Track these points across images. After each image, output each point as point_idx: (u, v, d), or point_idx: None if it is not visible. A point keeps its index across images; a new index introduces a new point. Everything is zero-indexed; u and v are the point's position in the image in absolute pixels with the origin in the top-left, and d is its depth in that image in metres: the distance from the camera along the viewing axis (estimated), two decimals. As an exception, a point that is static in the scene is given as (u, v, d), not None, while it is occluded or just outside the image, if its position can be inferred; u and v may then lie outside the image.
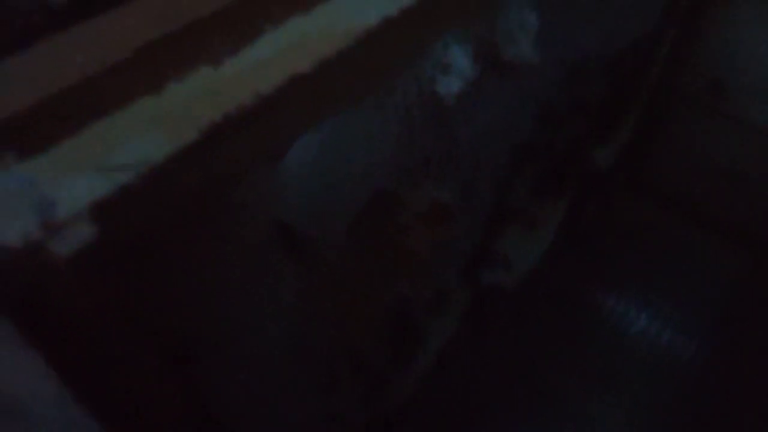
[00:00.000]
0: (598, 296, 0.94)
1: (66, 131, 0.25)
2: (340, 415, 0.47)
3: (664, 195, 0.96)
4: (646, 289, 0.94)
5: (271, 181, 0.30)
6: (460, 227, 0.47)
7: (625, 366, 0.86)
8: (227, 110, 0.26)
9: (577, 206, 0.78)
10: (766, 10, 0.70)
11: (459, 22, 0.36)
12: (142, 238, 0.24)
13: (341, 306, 0.42)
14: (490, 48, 0.39)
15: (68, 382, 0.20)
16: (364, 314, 0.46)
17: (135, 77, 0.27)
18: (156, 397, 0.25)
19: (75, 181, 0.23)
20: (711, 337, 0.86)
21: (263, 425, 0.38)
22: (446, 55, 0.36)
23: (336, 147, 0.33)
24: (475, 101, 0.39)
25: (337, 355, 0.46)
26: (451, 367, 0.66)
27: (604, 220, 0.96)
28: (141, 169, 0.24)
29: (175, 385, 0.23)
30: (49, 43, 0.28)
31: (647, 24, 0.59)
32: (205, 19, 0.30)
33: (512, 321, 0.81)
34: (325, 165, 0.33)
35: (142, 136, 0.25)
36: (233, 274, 0.31)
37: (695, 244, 0.97)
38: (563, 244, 0.76)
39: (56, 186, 0.23)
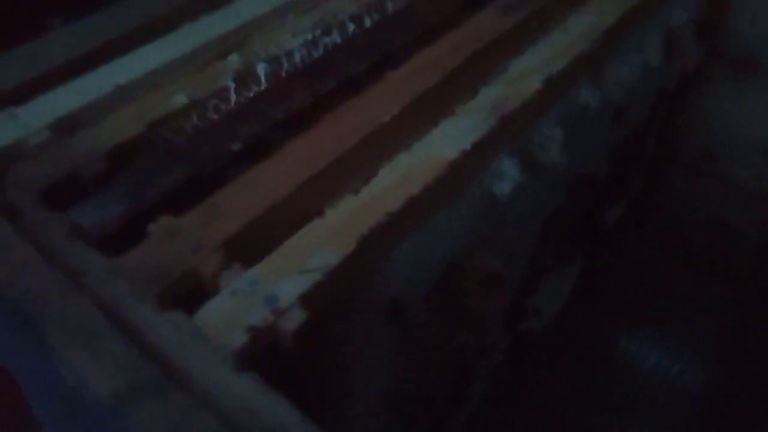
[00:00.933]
0: (612, 336, 1.06)
1: (273, 245, 0.38)
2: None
3: (667, 244, 1.08)
4: (654, 327, 1.06)
5: (388, 268, 0.43)
6: (508, 288, 0.59)
7: (641, 398, 0.97)
8: (371, 226, 0.39)
9: (592, 258, 0.90)
10: (738, 89, 0.84)
11: (509, 144, 0.49)
12: (325, 317, 0.37)
13: (423, 358, 0.54)
14: (529, 156, 0.52)
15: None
16: (437, 363, 0.58)
17: (305, 206, 0.40)
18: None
19: (286, 280, 0.36)
20: (714, 368, 0.97)
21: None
22: (499, 167, 0.49)
23: (425, 237, 0.46)
24: (518, 195, 0.52)
25: (416, 398, 0.58)
26: (495, 403, 0.77)
27: (614, 268, 1.09)
28: (325, 271, 0.36)
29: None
30: (237, 181, 0.41)
31: (644, 112, 0.73)
32: (339, 160, 0.43)
33: (542, 363, 0.92)
34: (418, 251, 0.46)
35: (322, 247, 0.37)
36: (362, 340, 0.44)
37: (696, 286, 1.09)
38: (581, 292, 0.88)
39: (275, 284, 0.36)
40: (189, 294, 0.37)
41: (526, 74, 0.50)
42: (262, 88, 0.51)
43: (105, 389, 0.30)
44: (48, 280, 0.35)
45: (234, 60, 0.52)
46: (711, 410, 0.93)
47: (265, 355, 0.34)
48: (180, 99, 0.48)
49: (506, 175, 0.49)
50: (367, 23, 0.57)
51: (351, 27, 0.57)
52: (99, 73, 0.50)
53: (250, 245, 0.38)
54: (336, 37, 0.55)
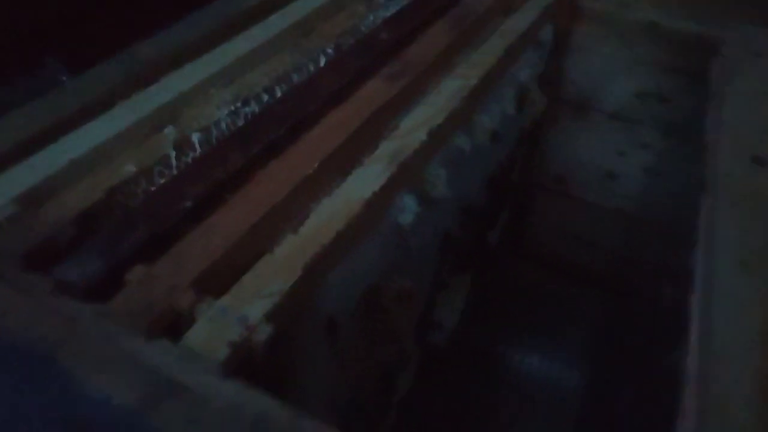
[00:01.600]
0: (499, 346, 1.21)
1: (234, 279, 0.47)
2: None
3: (539, 258, 1.26)
4: (533, 335, 1.22)
5: (325, 291, 0.54)
6: (417, 303, 0.71)
7: (528, 398, 1.12)
8: (310, 257, 0.49)
9: (480, 276, 1.05)
10: (578, 126, 1.03)
11: (407, 184, 0.62)
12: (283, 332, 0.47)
13: (354, 368, 0.65)
14: (423, 192, 0.65)
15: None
16: (365, 373, 0.68)
17: (255, 246, 0.50)
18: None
19: (251, 305, 0.45)
20: (589, 367, 1.14)
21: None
22: (402, 202, 0.62)
23: (350, 263, 0.57)
24: (418, 223, 0.65)
25: (349, 405, 0.68)
26: (413, 407, 0.88)
27: (497, 284, 1.25)
28: (280, 295, 0.46)
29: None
30: (195, 232, 0.50)
31: (507, 150, 0.89)
32: (278, 207, 0.53)
33: (446, 374, 1.05)
34: (346, 275, 0.57)
35: (276, 276, 0.47)
36: (309, 351, 0.53)
37: (565, 293, 1.27)
38: (473, 308, 1.02)
39: (242, 308, 0.45)
40: (170, 326, 0.46)
41: (414, 129, 0.63)
42: (197, 154, 0.60)
43: (129, 399, 0.38)
44: (50, 326, 0.42)
45: (170, 132, 0.61)
46: (587, 405, 1.10)
47: (243, 363, 0.43)
48: (129, 168, 0.56)
49: (407, 208, 0.61)
50: (278, 93, 0.68)
51: (265, 97, 0.67)
52: (50, 150, 0.57)
53: (215, 281, 0.48)
54: (254, 107, 0.66)
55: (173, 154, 0.59)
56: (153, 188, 0.56)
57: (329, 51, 0.75)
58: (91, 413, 0.39)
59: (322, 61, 0.74)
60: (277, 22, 0.77)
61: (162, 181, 0.57)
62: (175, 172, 0.58)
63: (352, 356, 0.63)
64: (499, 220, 1.03)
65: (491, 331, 1.17)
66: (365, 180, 0.57)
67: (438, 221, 0.71)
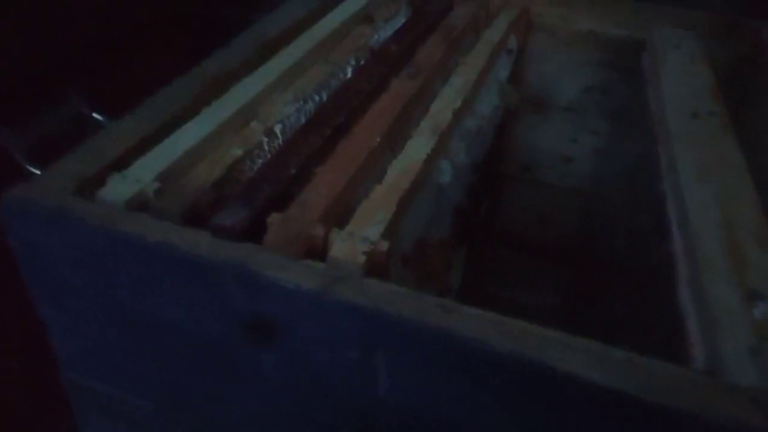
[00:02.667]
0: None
1: (347, 216, 0.63)
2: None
3: (510, 241, 1.46)
4: (505, 305, 1.41)
5: (401, 229, 0.70)
6: (449, 253, 0.89)
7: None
8: (398, 197, 0.66)
9: (468, 254, 1.23)
10: (538, 119, 1.25)
11: (443, 152, 0.80)
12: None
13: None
14: (453, 159, 0.83)
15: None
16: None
17: (352, 194, 0.66)
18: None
19: (368, 228, 0.61)
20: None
21: None
22: (440, 166, 0.80)
23: (412, 211, 0.74)
24: (448, 185, 0.83)
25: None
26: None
27: (476, 268, 1.43)
28: (385, 222, 0.63)
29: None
30: (307, 187, 0.66)
31: (493, 133, 1.09)
32: (362, 166, 0.70)
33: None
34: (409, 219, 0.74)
35: (378, 210, 0.64)
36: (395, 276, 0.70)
37: (532, 267, 1.47)
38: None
39: (363, 231, 0.61)
40: (309, 252, 0.61)
41: (441, 110, 0.81)
42: (280, 141, 0.76)
43: (313, 285, 0.53)
44: (231, 250, 0.57)
45: (256, 125, 0.76)
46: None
47: (372, 267, 0.59)
48: (236, 152, 0.72)
49: (445, 170, 0.79)
50: (324, 95, 0.85)
51: (317, 98, 0.84)
52: (165, 145, 0.71)
53: (333, 218, 0.64)
54: (311, 105, 0.83)
55: (265, 140, 0.74)
56: (257, 166, 0.71)
57: (352, 62, 0.93)
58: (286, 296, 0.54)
59: (350, 70, 0.92)
60: (304, 44, 0.94)
61: (261, 161, 0.72)
62: (269, 154, 0.74)
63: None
64: (481, 203, 1.22)
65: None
66: (418, 146, 0.74)
67: (457, 186, 0.89)
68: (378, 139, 0.74)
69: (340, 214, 0.64)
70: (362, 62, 0.93)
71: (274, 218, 0.62)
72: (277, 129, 0.76)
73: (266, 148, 0.74)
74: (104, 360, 0.69)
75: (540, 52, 1.16)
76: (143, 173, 0.67)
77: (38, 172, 1.07)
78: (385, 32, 1.03)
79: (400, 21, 1.07)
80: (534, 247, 1.45)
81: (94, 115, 1.20)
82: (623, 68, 1.13)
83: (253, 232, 0.62)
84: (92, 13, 1.15)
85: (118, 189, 0.65)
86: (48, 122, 1.15)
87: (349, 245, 0.60)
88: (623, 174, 1.19)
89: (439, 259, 0.84)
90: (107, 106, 1.23)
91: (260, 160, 0.73)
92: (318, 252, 0.61)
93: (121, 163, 0.68)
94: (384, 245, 0.60)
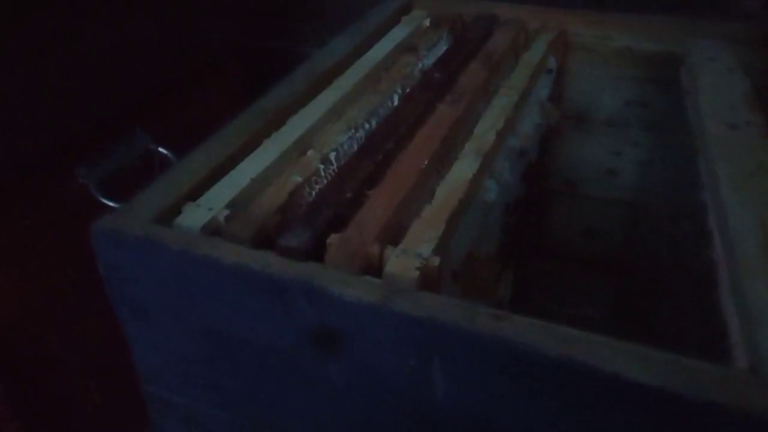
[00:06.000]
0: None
1: (399, 235, 0.68)
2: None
3: (557, 254, 1.49)
4: (554, 316, 1.43)
5: (451, 247, 0.75)
6: (496, 267, 0.93)
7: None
8: (448, 216, 0.71)
9: (516, 269, 1.27)
10: (579, 135, 1.28)
11: (488, 171, 0.84)
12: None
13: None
14: (496, 178, 0.88)
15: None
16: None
17: (404, 215, 0.71)
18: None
19: (420, 246, 0.67)
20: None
21: None
22: (486, 184, 0.84)
23: (461, 229, 0.79)
24: (494, 203, 0.87)
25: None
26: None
27: (527, 282, 1.46)
28: (436, 239, 0.68)
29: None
30: (362, 210, 0.72)
31: (536, 152, 1.13)
32: (412, 188, 0.75)
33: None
34: (458, 237, 0.79)
35: (429, 228, 0.69)
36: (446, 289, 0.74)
37: (579, 279, 1.49)
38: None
39: (416, 248, 0.66)
40: (366, 270, 0.66)
41: (485, 132, 0.86)
42: (335, 167, 0.82)
43: (373, 298, 0.58)
44: (300, 265, 0.63)
45: (313, 153, 0.83)
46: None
47: (425, 281, 0.64)
48: (296, 179, 0.78)
49: (491, 188, 0.84)
50: (374, 123, 0.91)
51: (367, 126, 0.90)
52: (232, 176, 0.78)
53: (388, 237, 0.69)
54: (362, 133, 0.89)
55: (321, 167, 0.81)
56: (317, 189, 0.78)
57: (399, 90, 0.99)
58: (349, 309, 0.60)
59: (396, 99, 0.98)
60: (354, 75, 1.01)
61: (319, 187, 0.79)
62: (326, 180, 0.80)
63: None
64: (531, 219, 1.26)
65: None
66: (464, 167, 0.79)
67: (502, 204, 0.93)
68: (426, 162, 0.80)
69: (393, 233, 0.70)
70: (408, 90, 0.98)
71: (333, 239, 0.68)
72: (332, 156, 0.82)
73: (323, 174, 0.80)
74: (184, 373, 0.76)
75: (579, 69, 1.20)
76: (215, 201, 0.74)
77: (114, 204, 1.16)
78: (428, 60, 1.08)
79: (442, 48, 1.13)
80: (581, 260, 1.47)
81: (160, 149, 1.29)
82: (662, 81, 1.16)
83: (316, 251, 0.68)
84: (149, 57, 1.25)
85: (193, 217, 0.72)
86: (119, 159, 1.24)
87: (403, 261, 0.65)
88: (666, 184, 1.21)
89: (487, 274, 0.88)
90: (171, 140, 1.32)
91: (318, 186, 0.79)
92: (375, 268, 0.66)
93: (194, 194, 0.75)
94: (435, 261, 0.65)
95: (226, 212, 0.72)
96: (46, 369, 1.22)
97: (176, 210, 0.73)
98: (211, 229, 0.71)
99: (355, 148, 0.86)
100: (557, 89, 1.18)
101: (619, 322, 1.36)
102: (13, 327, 1.13)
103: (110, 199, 1.16)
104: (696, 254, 0.76)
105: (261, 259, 0.63)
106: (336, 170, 0.81)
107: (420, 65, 1.07)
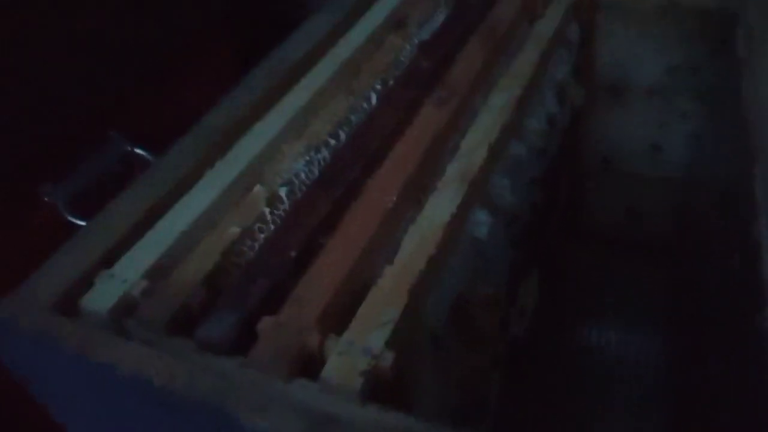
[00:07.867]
0: (576, 326, 1.26)
1: (351, 311, 0.53)
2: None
3: (595, 236, 1.30)
4: (605, 311, 1.26)
5: (425, 310, 0.60)
6: (501, 306, 0.77)
7: (609, 375, 1.16)
8: (412, 283, 0.55)
9: (546, 262, 1.10)
10: (616, 108, 1.07)
11: (478, 199, 0.67)
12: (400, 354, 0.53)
13: (454, 375, 0.71)
14: (492, 203, 0.71)
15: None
16: (465, 379, 0.74)
17: (359, 282, 0.56)
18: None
19: (371, 335, 0.52)
20: (662, 337, 1.18)
21: None
22: (476, 217, 0.67)
23: (441, 281, 0.63)
24: (492, 233, 0.70)
25: (453, 412, 0.74)
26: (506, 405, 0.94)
27: (562, 268, 1.29)
28: (394, 321, 0.53)
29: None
30: (305, 278, 0.57)
31: (557, 142, 0.94)
32: (370, 242, 0.59)
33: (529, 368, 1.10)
34: (438, 292, 0.63)
35: (386, 306, 0.54)
36: (421, 366, 0.60)
37: (625, 266, 1.30)
38: (543, 296, 1.06)
39: (365, 340, 0.51)
40: (304, 365, 0.52)
41: (474, 147, 0.69)
42: (287, 206, 0.67)
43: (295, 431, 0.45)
44: (209, 383, 0.49)
45: (259, 190, 0.68)
46: (664, 374, 1.13)
47: (374, 388, 0.50)
48: (234, 230, 0.64)
49: (481, 222, 0.67)
50: (342, 136, 0.75)
51: (332, 142, 0.74)
52: (160, 227, 0.64)
53: (333, 319, 0.54)
54: (325, 153, 0.72)
55: (267, 210, 0.66)
56: (257, 244, 0.63)
57: (378, 87, 0.82)
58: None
59: (374, 99, 0.80)
60: (326, 69, 0.83)
61: (263, 236, 0.64)
62: (272, 226, 0.65)
63: (452, 365, 0.69)
64: (557, 206, 1.08)
65: (565, 320, 1.22)
66: (442, 203, 0.63)
67: (508, 225, 0.76)
68: (394, 199, 0.63)
69: (341, 312, 0.55)
70: (388, 86, 0.81)
71: (265, 324, 0.54)
72: (283, 192, 0.67)
73: (269, 218, 0.65)
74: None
75: (611, 32, 0.98)
76: (132, 269, 0.60)
77: (83, 222, 1.05)
78: (419, 38, 0.89)
79: (438, 21, 0.93)
80: (624, 243, 1.28)
81: (137, 150, 1.17)
82: (714, 42, 0.93)
83: (244, 340, 0.54)
84: (125, 47, 1.10)
85: (105, 292, 0.59)
86: (91, 169, 1.12)
87: (346, 361, 0.50)
88: (719, 159, 1.00)
89: (487, 319, 0.72)
90: (150, 138, 1.19)
91: (262, 235, 0.64)
92: (314, 363, 0.52)
93: (114, 254, 0.62)
94: (388, 358, 0.50)
95: (144, 284, 0.59)
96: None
97: (88, 282, 0.60)
98: (125, 308, 0.58)
99: (315, 173, 0.70)
100: (584, 60, 0.97)
101: (669, 310, 1.18)
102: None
103: (81, 218, 1.05)
104: (746, 232, 0.58)
105: (165, 370, 0.50)
106: (286, 210, 0.66)
107: (408, 47, 0.88)
